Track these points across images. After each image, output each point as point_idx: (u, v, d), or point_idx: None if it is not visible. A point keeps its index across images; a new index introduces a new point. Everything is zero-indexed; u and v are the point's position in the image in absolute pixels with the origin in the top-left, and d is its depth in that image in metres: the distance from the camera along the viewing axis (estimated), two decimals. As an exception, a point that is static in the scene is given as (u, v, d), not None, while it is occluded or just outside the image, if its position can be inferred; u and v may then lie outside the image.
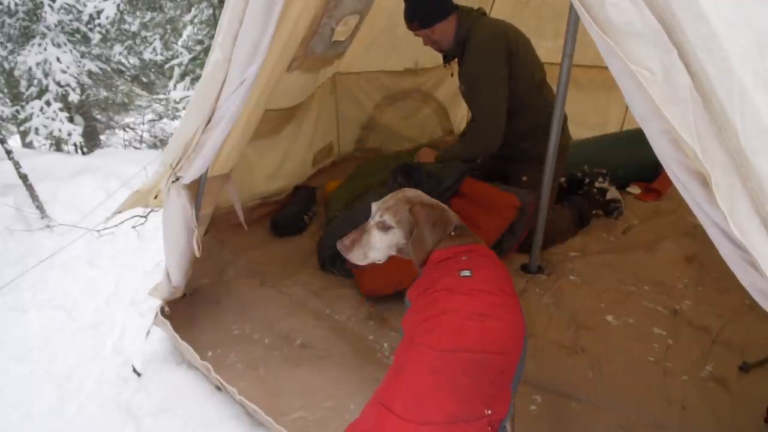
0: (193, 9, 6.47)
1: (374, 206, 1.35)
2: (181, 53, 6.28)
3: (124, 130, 8.87)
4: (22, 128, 6.50)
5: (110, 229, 3.03)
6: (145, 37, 7.18)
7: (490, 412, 0.95)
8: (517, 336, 1.10)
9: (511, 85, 2.25)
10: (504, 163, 2.51)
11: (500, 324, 1.08)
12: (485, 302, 1.12)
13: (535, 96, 2.34)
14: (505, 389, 1.03)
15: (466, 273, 1.18)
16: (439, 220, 1.30)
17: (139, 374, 1.90)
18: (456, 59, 2.41)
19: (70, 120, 6.20)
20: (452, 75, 2.52)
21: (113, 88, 8.09)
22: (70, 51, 6.29)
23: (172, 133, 4.47)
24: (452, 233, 1.31)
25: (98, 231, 3.01)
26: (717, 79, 0.82)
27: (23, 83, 6.28)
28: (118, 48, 7.05)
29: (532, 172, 2.28)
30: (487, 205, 2.23)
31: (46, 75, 6.01)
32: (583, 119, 3.47)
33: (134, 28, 7.07)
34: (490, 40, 2.21)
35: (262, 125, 2.16)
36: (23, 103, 6.20)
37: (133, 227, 3.08)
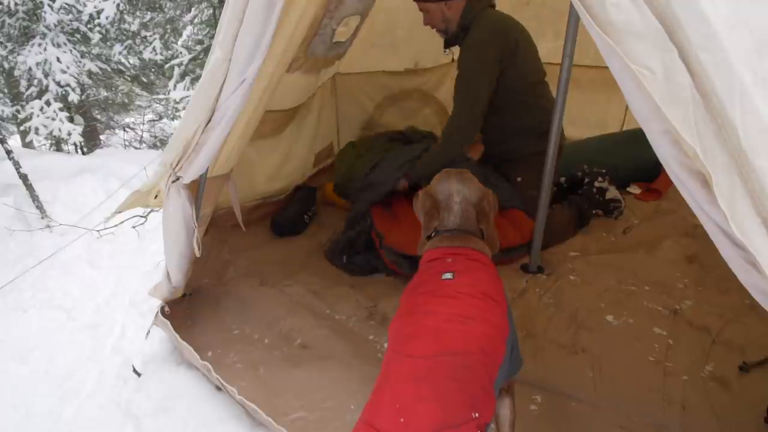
0: (193, 9, 6.47)
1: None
2: (181, 53, 6.27)
3: (124, 130, 8.85)
4: (22, 128, 6.49)
5: (110, 230, 3.03)
6: (145, 37, 7.17)
7: (477, 414, 0.93)
8: (498, 338, 1.09)
9: (502, 82, 2.25)
10: (497, 164, 2.51)
11: (480, 326, 1.07)
12: (466, 304, 1.11)
13: (529, 96, 2.33)
14: (488, 392, 1.01)
15: (448, 276, 1.17)
16: (429, 211, 1.31)
17: (138, 374, 1.90)
18: (456, 45, 2.38)
19: (70, 120, 6.19)
20: (452, 60, 2.50)
21: (113, 88, 8.08)
22: (70, 51, 6.28)
23: (172, 133, 4.46)
24: (444, 234, 1.30)
25: (98, 231, 3.01)
26: (717, 78, 0.82)
27: (23, 83, 6.26)
28: (118, 48, 7.03)
29: (526, 172, 2.27)
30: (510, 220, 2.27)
31: (46, 75, 6.00)
32: (583, 119, 3.47)
33: (134, 28, 7.06)
34: (488, 36, 2.20)
35: (263, 126, 2.16)
36: (23, 103, 6.19)
37: (133, 227, 3.07)
